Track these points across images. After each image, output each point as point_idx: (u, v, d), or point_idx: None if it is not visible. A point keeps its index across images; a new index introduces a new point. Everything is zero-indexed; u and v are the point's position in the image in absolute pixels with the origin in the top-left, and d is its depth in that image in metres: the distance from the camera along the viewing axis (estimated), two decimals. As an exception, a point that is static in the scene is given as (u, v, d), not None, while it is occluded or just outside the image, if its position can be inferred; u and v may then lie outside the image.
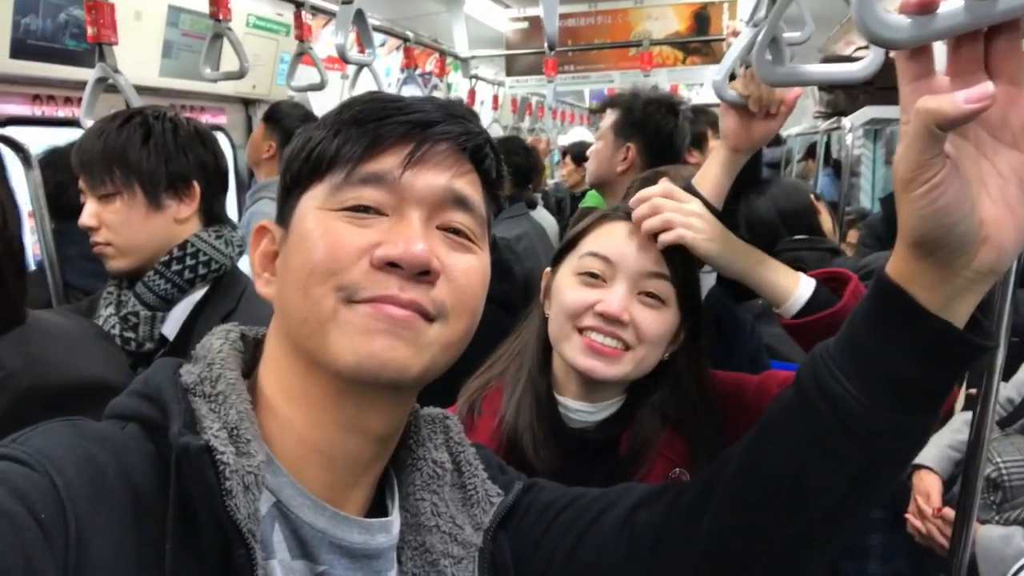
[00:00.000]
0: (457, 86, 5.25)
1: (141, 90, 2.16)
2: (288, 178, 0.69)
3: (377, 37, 2.69)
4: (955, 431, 1.79)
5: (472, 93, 4.54)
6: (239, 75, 2.05)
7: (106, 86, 1.93)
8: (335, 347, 0.61)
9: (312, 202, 0.65)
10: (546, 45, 1.57)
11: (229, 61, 2.45)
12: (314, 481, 0.65)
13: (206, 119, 3.46)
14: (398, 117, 0.65)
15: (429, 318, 0.63)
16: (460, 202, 0.67)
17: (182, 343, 1.41)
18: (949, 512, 1.64)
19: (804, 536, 0.68)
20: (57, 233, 1.99)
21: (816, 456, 0.64)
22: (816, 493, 0.66)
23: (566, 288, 1.13)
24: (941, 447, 1.78)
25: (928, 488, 1.74)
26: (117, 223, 1.41)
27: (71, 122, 2.51)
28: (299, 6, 2.30)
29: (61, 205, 2.05)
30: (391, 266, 0.61)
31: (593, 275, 1.11)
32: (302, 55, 2.38)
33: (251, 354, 0.71)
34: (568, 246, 1.18)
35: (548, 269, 1.21)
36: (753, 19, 1.26)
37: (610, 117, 2.19)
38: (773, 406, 0.70)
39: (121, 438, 0.60)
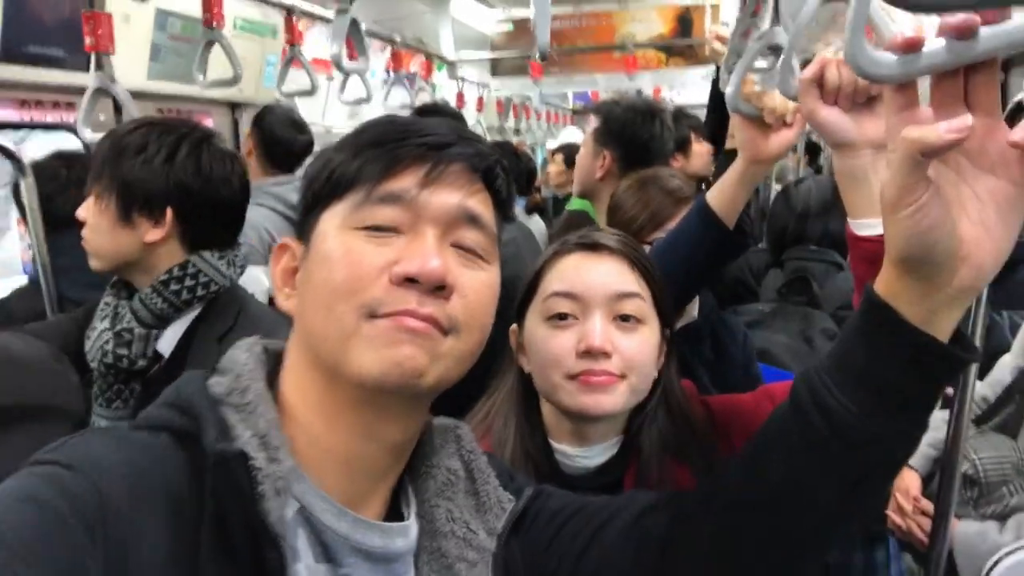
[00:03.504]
0: (441, 87, 5.27)
1: (134, 94, 2.16)
2: (309, 197, 0.72)
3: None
4: (932, 429, 1.84)
5: (460, 95, 4.56)
6: (233, 82, 2.06)
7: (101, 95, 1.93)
8: (359, 360, 0.65)
9: (332, 221, 0.69)
10: (537, 54, 1.59)
11: (215, 65, 2.46)
12: (334, 488, 0.68)
13: (193, 122, 3.44)
14: (414, 139, 0.69)
15: (444, 331, 0.67)
16: (472, 220, 0.70)
17: (178, 360, 1.41)
18: (928, 505, 1.69)
19: (804, 538, 0.73)
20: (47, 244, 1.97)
21: (812, 464, 0.68)
22: (813, 498, 0.69)
23: (540, 339, 1.08)
24: (919, 445, 1.83)
25: (908, 485, 1.80)
26: (91, 224, 1.41)
27: (61, 127, 2.50)
28: (290, 11, 2.31)
29: (48, 216, 2.02)
30: (409, 281, 0.65)
31: (563, 316, 1.06)
32: (292, 60, 2.38)
33: (272, 366, 0.73)
34: (528, 294, 1.13)
35: (514, 326, 1.16)
36: (759, 30, 1.28)
37: (593, 124, 2.26)
38: (770, 418, 0.74)
39: (157, 446, 0.64)
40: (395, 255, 0.66)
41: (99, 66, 1.84)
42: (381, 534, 0.70)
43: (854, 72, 0.60)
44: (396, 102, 3.64)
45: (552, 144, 5.76)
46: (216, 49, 2.26)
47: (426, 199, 0.68)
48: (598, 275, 1.08)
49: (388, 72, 3.97)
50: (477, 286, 0.70)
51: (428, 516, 0.76)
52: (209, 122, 3.62)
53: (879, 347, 0.63)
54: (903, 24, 0.60)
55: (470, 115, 5.18)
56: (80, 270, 1.94)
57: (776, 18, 1.51)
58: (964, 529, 1.60)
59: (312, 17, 2.46)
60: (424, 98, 3.81)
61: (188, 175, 1.39)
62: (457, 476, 0.79)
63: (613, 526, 0.80)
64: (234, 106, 3.68)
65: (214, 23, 2.00)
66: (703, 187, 2.55)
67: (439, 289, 0.66)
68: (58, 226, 1.92)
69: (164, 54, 2.88)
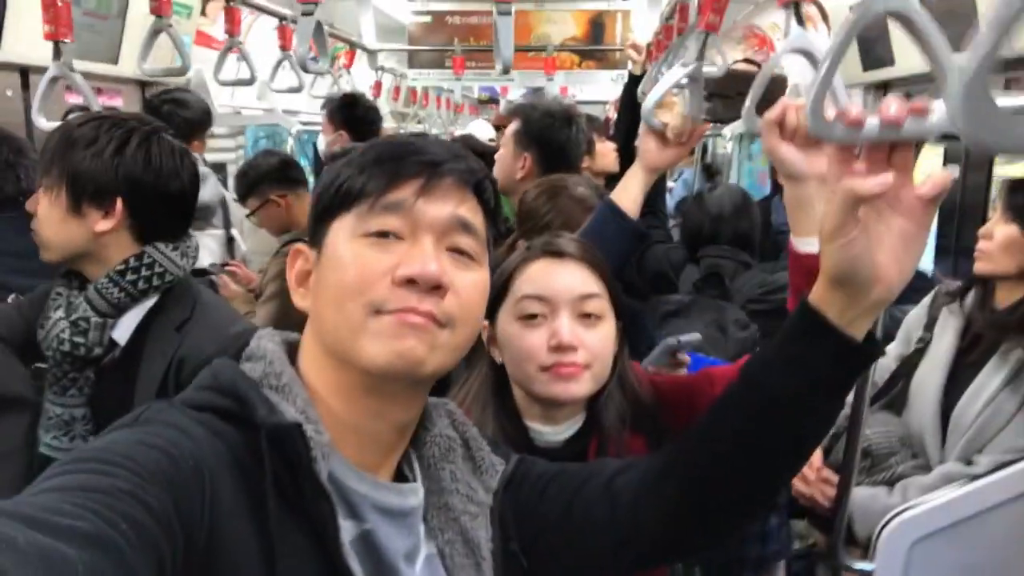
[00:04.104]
0: (352, 75, 5.23)
1: (41, 71, 2.08)
2: (320, 207, 0.81)
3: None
4: (830, 409, 2.07)
5: (378, 85, 4.57)
6: (180, 72, 2.03)
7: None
8: (367, 351, 0.74)
9: (342, 229, 0.78)
10: (500, 67, 1.67)
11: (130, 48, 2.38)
12: (351, 457, 0.77)
13: (103, 100, 3.30)
14: (413, 157, 0.79)
15: (440, 325, 0.76)
16: (464, 227, 0.80)
17: (135, 349, 1.43)
18: (829, 473, 1.92)
19: (750, 492, 0.88)
20: None
21: (755, 434, 0.83)
22: (756, 459, 0.85)
23: (515, 336, 1.19)
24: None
25: (811, 457, 2.02)
26: (42, 216, 1.40)
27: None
28: (229, 1, 2.29)
29: None
30: (409, 283, 0.74)
31: (533, 316, 1.18)
32: (231, 49, 2.36)
33: (290, 355, 0.81)
34: (500, 294, 1.24)
35: (486, 323, 1.25)
36: (683, 60, 1.44)
37: (513, 126, 2.35)
38: (720, 397, 0.88)
39: (209, 421, 0.71)
40: (397, 260, 0.75)
41: (57, 54, 1.77)
42: (397, 493, 0.80)
43: (812, 133, 0.76)
44: (320, 91, 3.63)
45: (457, 133, 5.84)
46: (136, 29, 2.20)
47: (422, 208, 0.77)
48: (563, 279, 1.20)
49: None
50: (469, 285, 0.79)
51: (435, 478, 0.86)
52: (119, 101, 3.49)
53: (811, 344, 0.79)
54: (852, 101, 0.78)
55: (384, 104, 5.18)
56: (8, 255, 1.87)
57: (701, 52, 1.68)
58: (858, 493, 1.83)
59: (254, 8, 2.45)
60: (345, 86, 3.81)
61: (138, 167, 1.40)
62: (455, 443, 0.89)
63: (590, 486, 0.93)
64: (144, 85, 3.57)
65: (162, 12, 1.96)
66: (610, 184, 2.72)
67: (436, 288, 0.75)
68: (-19, 212, 1.85)
69: (77, 31, 2.75)
